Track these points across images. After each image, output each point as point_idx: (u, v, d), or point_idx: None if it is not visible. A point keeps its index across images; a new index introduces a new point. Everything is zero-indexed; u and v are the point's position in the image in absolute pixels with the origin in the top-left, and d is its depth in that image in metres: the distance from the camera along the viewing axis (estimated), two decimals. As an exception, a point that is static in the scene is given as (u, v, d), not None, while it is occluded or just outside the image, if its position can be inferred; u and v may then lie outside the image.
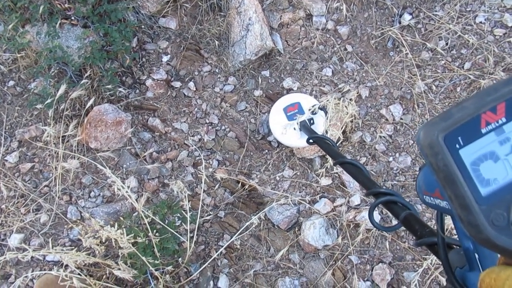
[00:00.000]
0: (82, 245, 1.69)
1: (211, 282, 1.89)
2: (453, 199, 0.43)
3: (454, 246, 0.66)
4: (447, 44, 2.04)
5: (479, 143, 0.42)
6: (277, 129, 1.95)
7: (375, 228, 1.90)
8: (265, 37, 2.03)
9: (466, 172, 0.42)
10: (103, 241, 1.42)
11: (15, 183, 1.88)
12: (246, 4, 2.05)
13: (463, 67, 2.04)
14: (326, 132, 1.91)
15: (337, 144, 2.02)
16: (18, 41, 1.82)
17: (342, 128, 1.96)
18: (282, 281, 1.90)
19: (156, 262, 1.58)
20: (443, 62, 2.05)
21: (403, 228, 1.94)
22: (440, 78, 2.04)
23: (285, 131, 1.92)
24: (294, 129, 1.91)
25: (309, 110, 1.91)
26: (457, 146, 0.42)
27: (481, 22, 2.04)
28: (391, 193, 0.91)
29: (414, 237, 0.76)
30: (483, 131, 0.42)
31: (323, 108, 1.91)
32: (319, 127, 1.91)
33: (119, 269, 1.46)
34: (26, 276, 1.73)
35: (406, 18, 2.07)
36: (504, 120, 0.42)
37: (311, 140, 1.62)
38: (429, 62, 2.06)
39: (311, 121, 1.91)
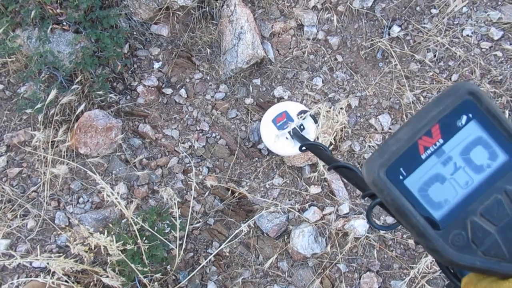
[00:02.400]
0: (70, 251, 1.67)
1: (200, 290, 1.89)
2: (409, 229, 0.43)
3: None
4: (435, 56, 2.08)
5: (422, 169, 0.43)
6: (270, 141, 1.95)
7: (363, 237, 1.92)
8: (256, 46, 2.05)
9: (415, 200, 0.43)
10: (92, 248, 1.42)
11: (2, 188, 1.86)
12: (238, 13, 2.06)
13: (450, 78, 2.07)
14: (317, 138, 1.92)
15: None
16: (8, 45, 1.81)
17: (333, 135, 1.98)
18: (270, 289, 1.91)
19: (145, 269, 1.57)
20: (431, 73, 2.09)
21: (390, 236, 1.96)
22: (428, 89, 2.08)
23: (277, 140, 1.93)
24: (286, 138, 1.92)
25: (298, 116, 1.92)
26: (401, 177, 0.43)
27: (468, 35, 2.08)
28: None
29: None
30: (423, 156, 0.43)
31: (307, 113, 1.92)
32: (310, 132, 1.92)
33: (107, 276, 1.45)
34: (11, 283, 1.71)
35: (395, 30, 2.11)
36: (441, 141, 0.42)
37: (303, 148, 1.63)
38: (418, 73, 2.10)
39: (301, 127, 1.92)
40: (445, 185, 0.43)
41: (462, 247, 0.42)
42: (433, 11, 2.12)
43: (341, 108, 2.03)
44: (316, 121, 1.92)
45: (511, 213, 0.42)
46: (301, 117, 1.91)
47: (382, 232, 1.94)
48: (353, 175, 1.14)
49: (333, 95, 2.10)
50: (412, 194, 0.43)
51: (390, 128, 2.07)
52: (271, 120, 1.96)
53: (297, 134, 1.86)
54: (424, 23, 2.11)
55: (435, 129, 0.42)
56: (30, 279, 1.69)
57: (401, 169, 0.42)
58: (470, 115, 0.42)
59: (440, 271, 1.86)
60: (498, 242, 0.42)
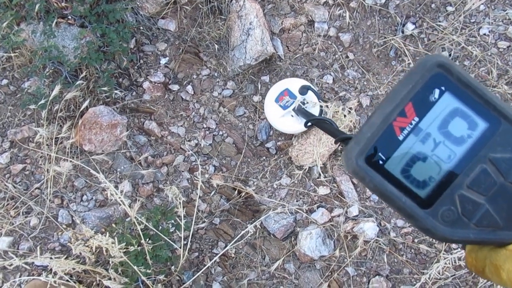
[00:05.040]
0: (72, 251, 1.64)
1: (204, 291, 1.85)
2: (398, 212, 0.42)
3: None
4: (450, 55, 2.02)
5: (401, 150, 0.42)
6: (275, 121, 1.93)
7: (372, 240, 1.87)
8: (266, 42, 2.00)
9: (399, 183, 0.42)
10: (94, 250, 1.38)
11: (5, 184, 1.83)
12: (247, 8, 2.01)
13: (465, 78, 2.01)
14: (322, 112, 1.89)
15: (336, 155, 1.99)
16: (12, 39, 1.77)
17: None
18: (276, 291, 1.87)
19: (148, 271, 1.54)
20: (445, 73, 2.02)
21: (401, 240, 1.91)
22: (442, 89, 2.01)
23: (283, 119, 1.90)
24: (292, 115, 1.90)
25: (299, 91, 1.89)
26: (381, 162, 0.42)
27: (485, 34, 2.01)
28: None
29: None
30: (401, 137, 0.41)
31: (309, 87, 1.88)
32: (314, 106, 1.89)
33: (109, 278, 1.42)
34: (14, 281, 1.68)
35: (409, 27, 2.05)
36: (417, 119, 0.41)
37: (309, 124, 1.61)
38: (432, 72, 2.03)
39: (305, 102, 1.89)
40: (427, 163, 0.42)
41: (453, 222, 0.41)
42: (449, 8, 2.05)
43: (350, 108, 1.98)
44: (318, 96, 1.88)
45: (499, 180, 0.41)
46: (301, 92, 1.88)
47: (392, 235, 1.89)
48: None
49: (344, 94, 2.04)
50: (394, 177, 0.42)
51: (402, 129, 2.01)
52: (274, 99, 1.92)
53: (301, 111, 1.83)
54: (440, 21, 2.04)
55: (409, 108, 0.41)
56: (32, 277, 1.67)
57: (380, 153, 0.41)
58: (443, 88, 0.40)
59: (452, 277, 1.81)
60: (489, 212, 0.41)
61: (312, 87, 1.90)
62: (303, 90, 1.88)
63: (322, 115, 1.92)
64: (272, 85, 1.98)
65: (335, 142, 1.29)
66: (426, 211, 0.41)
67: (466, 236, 0.41)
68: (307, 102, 1.88)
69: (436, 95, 0.41)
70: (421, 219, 0.41)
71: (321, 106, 1.87)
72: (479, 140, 0.41)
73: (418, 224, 0.42)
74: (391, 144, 0.41)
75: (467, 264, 0.45)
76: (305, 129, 1.87)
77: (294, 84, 1.92)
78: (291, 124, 1.91)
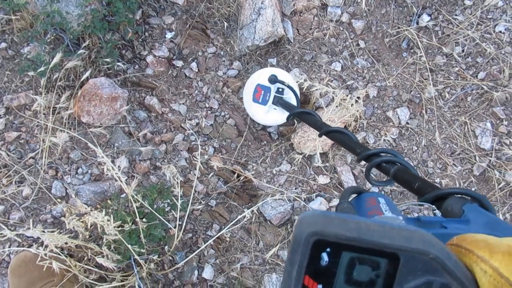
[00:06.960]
0: (65, 224, 1.61)
1: (196, 272, 1.83)
2: None
3: None
4: (463, 50, 1.97)
5: None
6: (262, 119, 1.90)
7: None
8: (276, 24, 1.93)
9: None
10: (88, 227, 1.34)
11: (-1, 151, 1.78)
12: (260, -13, 1.94)
13: (477, 76, 1.96)
14: (297, 96, 1.85)
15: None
16: (14, 1, 1.69)
17: (343, 125, 1.89)
18: (268, 277, 1.85)
19: (142, 250, 1.51)
20: (457, 69, 1.97)
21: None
22: (452, 85, 1.97)
23: (271, 116, 1.87)
24: (275, 109, 1.86)
25: (269, 81, 1.85)
26: None
27: (500, 32, 1.96)
28: (384, 152, 0.92)
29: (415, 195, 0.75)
30: None
31: (275, 78, 1.84)
32: (290, 93, 1.85)
33: (102, 256, 1.38)
34: (3, 251, 1.65)
35: (425, 19, 1.98)
36: (320, 286, 0.40)
37: (291, 116, 1.57)
38: (443, 67, 1.98)
39: (280, 91, 1.85)
40: None
41: None
42: (467, 2, 1.98)
43: (358, 98, 1.93)
44: (283, 83, 1.83)
45: None
46: (271, 82, 1.84)
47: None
48: (346, 138, 1.10)
49: (352, 83, 1.99)
50: None
51: (407, 123, 1.97)
52: (252, 100, 1.88)
53: (280, 102, 1.79)
54: (456, 14, 1.98)
55: (308, 281, 0.40)
56: (22, 248, 1.63)
57: None
58: (328, 249, 0.40)
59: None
60: None
61: (278, 76, 1.84)
62: (272, 80, 1.84)
63: (301, 106, 1.89)
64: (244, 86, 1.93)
65: (319, 135, 1.25)
66: None
67: None
68: (283, 90, 1.84)
69: (326, 258, 0.40)
70: None
71: (295, 92, 1.82)
72: (387, 276, 0.40)
73: None
74: None
75: None
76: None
77: (262, 76, 1.87)
78: (279, 116, 1.88)
